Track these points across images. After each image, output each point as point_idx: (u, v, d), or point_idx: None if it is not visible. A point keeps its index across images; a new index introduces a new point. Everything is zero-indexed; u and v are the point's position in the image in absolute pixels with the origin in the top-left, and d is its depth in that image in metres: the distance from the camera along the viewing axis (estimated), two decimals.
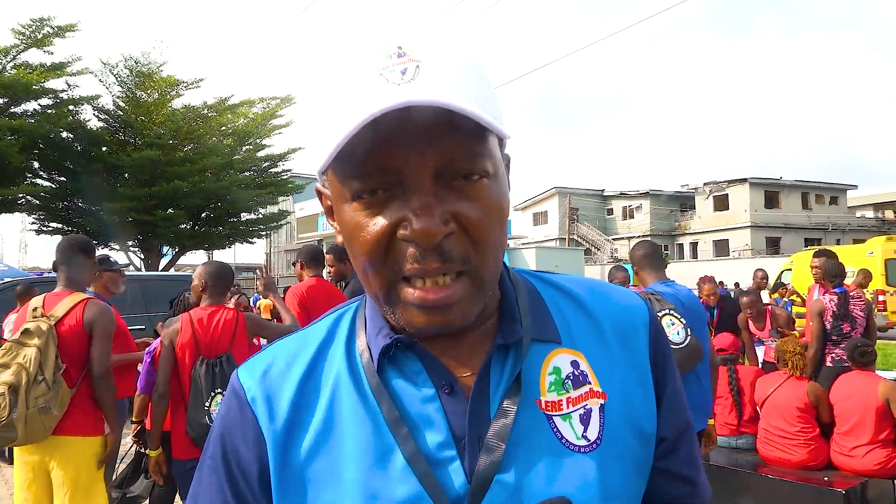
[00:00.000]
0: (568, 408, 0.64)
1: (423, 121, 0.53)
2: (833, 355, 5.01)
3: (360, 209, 0.58)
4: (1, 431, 2.66)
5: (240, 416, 0.67)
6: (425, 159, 0.55)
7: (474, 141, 0.56)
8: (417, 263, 0.56)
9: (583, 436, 0.63)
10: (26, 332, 2.80)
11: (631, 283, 6.14)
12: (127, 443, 3.85)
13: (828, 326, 4.98)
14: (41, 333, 2.78)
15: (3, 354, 2.76)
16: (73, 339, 2.89)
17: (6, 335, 4.64)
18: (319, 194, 0.67)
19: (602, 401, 0.65)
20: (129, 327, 3.74)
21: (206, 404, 2.92)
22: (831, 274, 5.18)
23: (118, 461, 3.81)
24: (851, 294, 5.06)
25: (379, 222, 0.57)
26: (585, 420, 0.64)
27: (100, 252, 3.41)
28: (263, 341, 4.29)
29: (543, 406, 0.63)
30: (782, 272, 16.87)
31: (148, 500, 3.61)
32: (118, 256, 16.99)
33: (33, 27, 15.84)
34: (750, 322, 5.85)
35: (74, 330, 2.89)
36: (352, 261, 0.61)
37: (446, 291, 0.57)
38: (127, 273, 4.42)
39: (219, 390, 2.96)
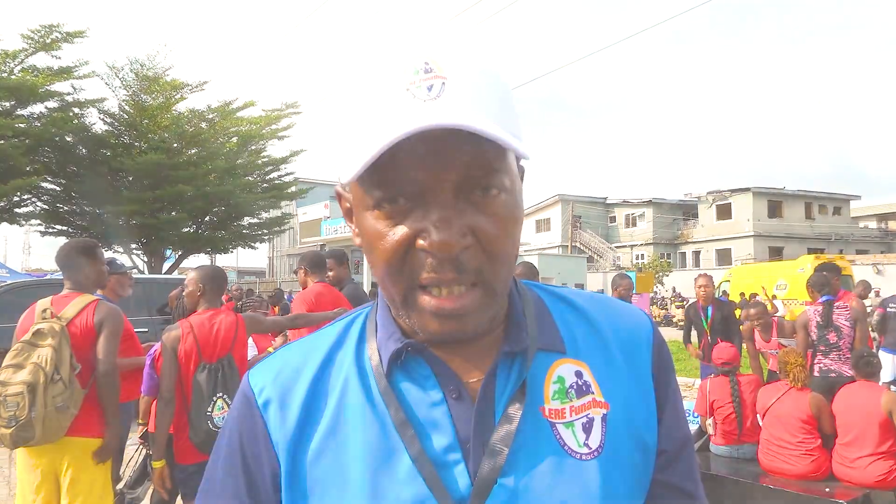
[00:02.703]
0: (571, 416, 0.65)
1: (447, 139, 0.55)
2: (821, 366, 5.03)
3: (382, 217, 0.60)
4: (19, 431, 2.65)
5: (250, 420, 0.68)
6: (447, 174, 0.57)
7: (494, 158, 0.58)
8: (434, 273, 0.58)
9: (584, 444, 0.64)
10: (38, 332, 2.79)
11: (634, 290, 6.15)
12: (133, 446, 3.85)
13: (813, 337, 5.06)
14: (55, 334, 2.78)
15: (15, 356, 2.75)
16: (85, 340, 2.90)
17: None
18: (339, 196, 0.69)
19: (604, 411, 0.66)
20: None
21: (209, 410, 2.93)
22: (818, 284, 5.25)
23: (125, 464, 3.82)
24: (836, 304, 5.08)
25: (399, 231, 0.59)
26: (588, 429, 0.65)
27: (105, 255, 3.39)
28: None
29: (547, 413, 0.64)
30: (721, 284, 17.57)
31: (148, 502, 3.62)
32: (121, 259, 17.00)
33: (42, 32, 15.91)
34: (757, 333, 5.85)
35: (86, 331, 2.90)
36: (370, 266, 0.63)
37: (461, 301, 0.59)
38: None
39: (220, 395, 2.96)
